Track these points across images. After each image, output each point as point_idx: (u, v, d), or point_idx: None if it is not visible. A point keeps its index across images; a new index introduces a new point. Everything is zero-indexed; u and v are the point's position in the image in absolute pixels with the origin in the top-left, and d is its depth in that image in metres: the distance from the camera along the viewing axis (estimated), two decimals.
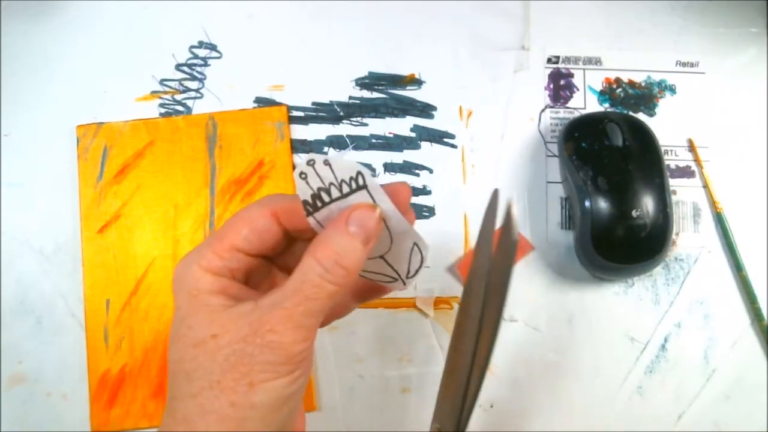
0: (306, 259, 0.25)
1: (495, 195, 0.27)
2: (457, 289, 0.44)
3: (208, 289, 0.26)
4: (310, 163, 0.25)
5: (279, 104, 0.46)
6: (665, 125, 0.45)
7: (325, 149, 0.45)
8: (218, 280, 0.26)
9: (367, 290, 0.31)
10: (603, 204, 0.40)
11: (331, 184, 0.25)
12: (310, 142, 0.45)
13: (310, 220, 0.26)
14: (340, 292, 0.25)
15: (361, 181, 0.26)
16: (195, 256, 0.27)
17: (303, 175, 0.25)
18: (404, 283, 0.29)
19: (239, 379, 0.24)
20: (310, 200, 0.26)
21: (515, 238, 0.25)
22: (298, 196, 0.26)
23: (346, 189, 0.26)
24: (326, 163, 0.25)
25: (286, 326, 0.24)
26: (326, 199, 0.26)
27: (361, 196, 0.26)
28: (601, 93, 0.46)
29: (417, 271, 0.28)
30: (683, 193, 0.45)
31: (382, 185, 0.26)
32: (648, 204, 0.40)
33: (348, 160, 0.25)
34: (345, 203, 0.26)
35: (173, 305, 0.27)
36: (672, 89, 0.46)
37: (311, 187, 0.26)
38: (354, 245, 0.25)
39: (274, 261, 0.29)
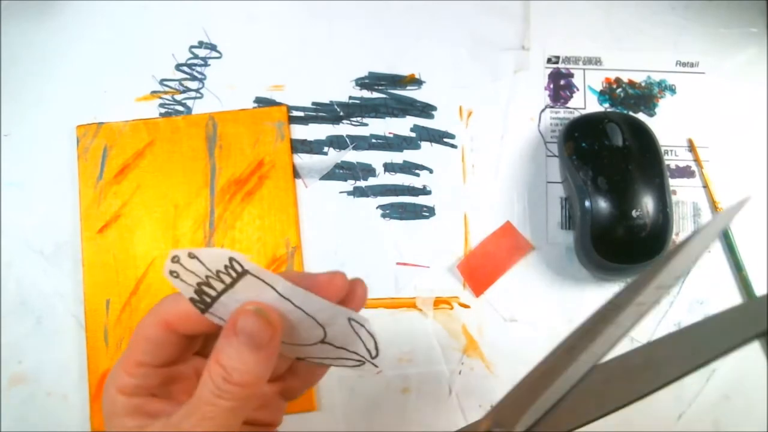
0: (204, 372, 0.23)
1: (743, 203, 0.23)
2: (457, 289, 0.44)
3: (122, 411, 0.25)
4: (175, 259, 0.23)
5: (279, 104, 0.46)
6: (665, 125, 0.45)
7: (325, 149, 0.45)
8: (131, 401, 0.25)
9: (298, 382, 0.29)
10: (603, 204, 0.40)
11: (208, 276, 0.23)
12: (310, 142, 0.45)
13: (208, 317, 0.24)
14: (243, 407, 0.23)
15: (238, 268, 0.23)
16: (111, 376, 0.25)
17: (174, 274, 0.23)
18: (375, 365, 0.27)
19: None
20: (196, 297, 0.23)
21: None
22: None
23: (227, 279, 0.23)
24: (191, 256, 0.23)
25: None
26: (212, 293, 0.23)
27: (248, 284, 0.23)
28: (601, 93, 0.46)
29: (377, 348, 0.26)
30: (683, 193, 0.45)
31: (307, 275, 0.24)
32: (648, 204, 0.40)
33: (215, 250, 0.23)
34: (235, 295, 0.23)
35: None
36: (672, 89, 0.46)
37: (189, 284, 0.23)
38: (244, 357, 0.23)
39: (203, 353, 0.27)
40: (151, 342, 0.25)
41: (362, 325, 0.25)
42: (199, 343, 0.27)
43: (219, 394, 0.23)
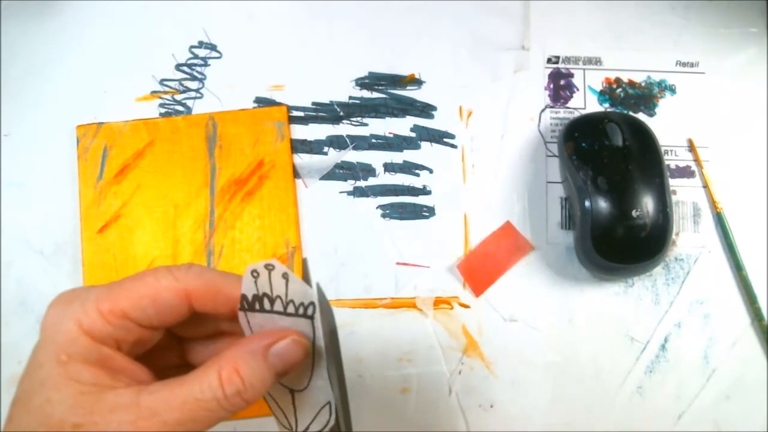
0: (210, 372, 0.22)
1: (305, 265, 0.25)
2: (457, 289, 0.44)
3: (82, 356, 0.22)
4: (269, 267, 0.23)
5: (279, 104, 0.46)
6: (665, 125, 0.45)
7: (325, 149, 0.45)
8: (97, 349, 0.22)
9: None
10: (603, 204, 0.40)
11: (278, 297, 0.23)
12: (310, 142, 0.45)
13: (241, 315, 0.24)
14: (227, 417, 0.22)
15: (310, 312, 0.24)
16: (76, 307, 0.22)
17: (255, 274, 0.23)
18: None
19: None
20: (249, 299, 0.23)
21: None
22: (224, 275, 0.24)
23: (291, 310, 0.24)
24: (284, 276, 0.23)
25: None
26: (267, 306, 0.24)
27: (303, 324, 0.24)
28: (601, 93, 0.46)
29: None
30: (683, 193, 0.45)
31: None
32: (648, 204, 0.40)
33: (306, 287, 0.23)
34: (284, 321, 0.24)
35: (33, 349, 0.22)
36: (672, 89, 0.46)
37: (257, 289, 0.23)
38: (265, 377, 0.22)
39: (174, 329, 0.26)
40: (158, 304, 0.23)
41: (330, 413, 0.25)
42: (160, 336, 0.25)
43: (224, 405, 0.22)
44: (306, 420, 0.26)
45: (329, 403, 0.25)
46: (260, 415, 0.41)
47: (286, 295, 0.23)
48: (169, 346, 0.26)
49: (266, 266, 0.23)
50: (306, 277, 0.25)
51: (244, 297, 0.23)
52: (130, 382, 0.22)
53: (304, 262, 0.25)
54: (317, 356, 0.24)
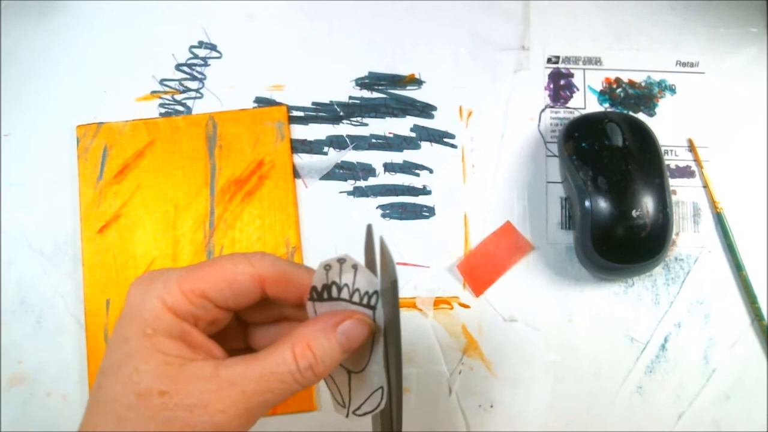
0: (284, 349, 0.24)
1: (369, 231, 0.27)
2: (457, 289, 0.44)
3: (166, 331, 0.24)
4: (341, 261, 0.25)
5: (279, 104, 0.46)
6: (665, 125, 0.45)
7: (325, 149, 0.45)
8: (179, 324, 0.24)
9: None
10: (603, 204, 0.40)
11: (345, 285, 0.26)
12: (310, 142, 0.45)
13: (309, 304, 0.26)
14: (300, 390, 0.25)
15: (374, 302, 0.26)
16: (159, 286, 0.24)
17: (327, 268, 0.25)
18: (347, 415, 0.28)
19: None
20: (319, 288, 0.26)
21: (394, 278, 0.25)
22: (295, 265, 0.26)
23: (356, 298, 0.26)
24: (354, 267, 0.25)
25: (239, 410, 0.23)
26: (335, 294, 0.26)
27: (366, 313, 0.26)
28: (601, 93, 0.46)
29: (366, 413, 0.28)
30: (683, 193, 0.45)
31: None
32: (648, 204, 0.40)
33: (373, 278, 0.26)
34: (349, 308, 0.26)
35: (117, 323, 0.24)
36: (672, 89, 0.46)
37: (327, 279, 0.26)
38: (334, 353, 0.25)
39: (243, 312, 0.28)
40: (234, 287, 0.25)
41: (382, 397, 0.28)
42: (230, 317, 0.27)
43: (297, 378, 0.24)
44: (359, 400, 0.28)
45: (382, 388, 0.27)
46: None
47: (354, 283, 0.26)
48: (234, 329, 0.28)
49: (338, 260, 0.25)
50: (384, 252, 0.26)
51: (314, 288, 0.26)
52: (208, 357, 0.25)
53: (381, 239, 0.26)
54: (376, 342, 0.27)
